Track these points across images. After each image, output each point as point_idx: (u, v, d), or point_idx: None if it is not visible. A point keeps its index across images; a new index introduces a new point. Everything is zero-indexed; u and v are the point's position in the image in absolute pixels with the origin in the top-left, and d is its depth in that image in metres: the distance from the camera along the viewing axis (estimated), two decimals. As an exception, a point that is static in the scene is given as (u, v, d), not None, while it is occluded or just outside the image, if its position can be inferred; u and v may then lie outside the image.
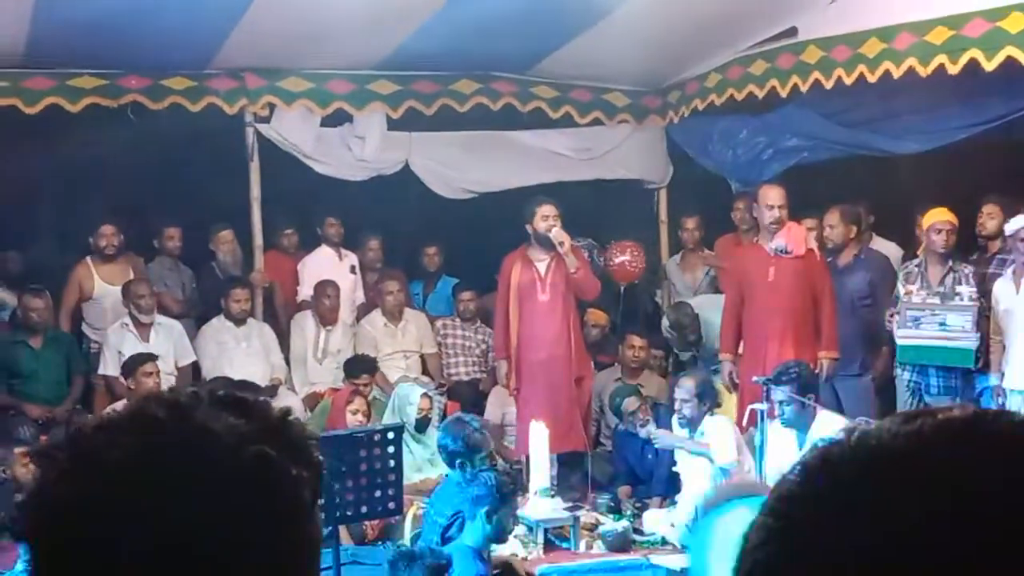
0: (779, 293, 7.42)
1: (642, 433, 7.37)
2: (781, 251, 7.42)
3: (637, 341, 8.55)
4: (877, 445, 0.82)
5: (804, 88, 7.67)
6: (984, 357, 7.12)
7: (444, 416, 8.02)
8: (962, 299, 7.03)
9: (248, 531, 0.94)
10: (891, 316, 7.29)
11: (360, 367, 8.25)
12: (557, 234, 7.72)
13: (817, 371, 7.22)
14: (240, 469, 0.95)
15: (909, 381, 7.35)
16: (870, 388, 7.73)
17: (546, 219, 7.76)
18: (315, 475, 1.01)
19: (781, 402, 6.47)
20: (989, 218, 7.50)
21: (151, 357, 7.64)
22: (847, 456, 0.83)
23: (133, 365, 7.55)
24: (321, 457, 1.04)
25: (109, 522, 0.93)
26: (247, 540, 0.94)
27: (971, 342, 6.99)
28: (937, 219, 7.27)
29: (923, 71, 6.74)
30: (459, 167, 9.05)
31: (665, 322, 8.79)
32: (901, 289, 7.32)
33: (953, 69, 6.58)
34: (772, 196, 7.51)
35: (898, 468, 0.80)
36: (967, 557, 0.75)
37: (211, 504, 0.93)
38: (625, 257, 8.95)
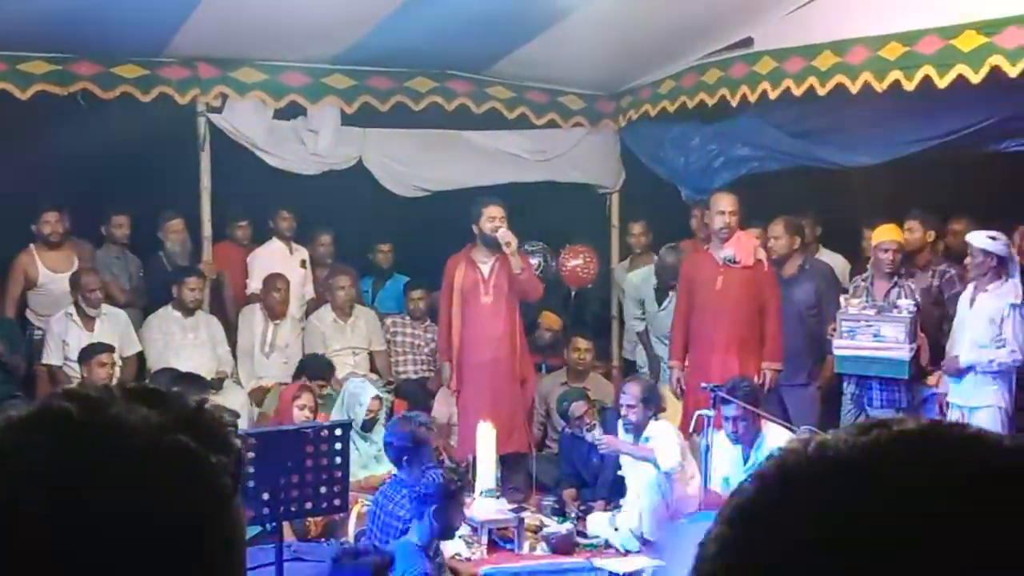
0: (726, 302, 7.46)
1: (588, 437, 7.39)
2: (729, 261, 7.46)
3: (583, 344, 8.56)
4: (834, 456, 0.82)
5: (754, 98, 7.72)
6: (931, 367, 7.21)
7: (391, 414, 8.00)
8: (900, 311, 7.08)
9: (170, 522, 0.92)
10: (832, 330, 7.33)
11: (318, 368, 8.13)
12: (503, 235, 7.71)
13: (761, 382, 7.27)
14: (157, 460, 0.93)
15: (852, 393, 7.40)
16: (816, 398, 7.78)
17: (492, 220, 7.76)
18: (234, 462, 0.99)
19: (736, 418, 6.50)
20: (909, 232, 7.60)
21: (108, 348, 7.57)
22: (803, 466, 0.83)
23: (89, 354, 7.48)
24: (239, 443, 1.02)
25: (24, 523, 0.89)
26: (169, 531, 0.92)
27: (905, 353, 7.01)
28: (884, 238, 7.31)
29: (878, 86, 6.82)
30: (413, 165, 9.02)
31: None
32: (844, 303, 7.37)
33: (908, 85, 6.66)
34: (723, 202, 7.55)
35: (855, 478, 0.80)
36: (924, 567, 0.76)
37: (130, 497, 0.91)
38: (578, 262, 8.96)
